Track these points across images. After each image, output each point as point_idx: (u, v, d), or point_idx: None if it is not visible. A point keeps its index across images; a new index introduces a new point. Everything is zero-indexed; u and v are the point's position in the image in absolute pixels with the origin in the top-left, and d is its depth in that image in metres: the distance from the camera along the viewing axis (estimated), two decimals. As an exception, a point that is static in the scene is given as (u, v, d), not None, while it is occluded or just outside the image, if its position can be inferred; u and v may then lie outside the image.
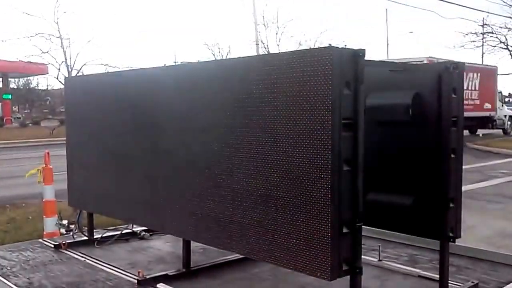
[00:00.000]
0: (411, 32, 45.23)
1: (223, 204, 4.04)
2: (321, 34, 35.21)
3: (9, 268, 5.14)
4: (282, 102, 3.56)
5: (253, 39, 22.56)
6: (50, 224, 7.96)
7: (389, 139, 4.58)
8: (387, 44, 40.95)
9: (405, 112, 4.37)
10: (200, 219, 4.26)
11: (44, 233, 8.11)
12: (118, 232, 6.11)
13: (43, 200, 8.18)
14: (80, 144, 5.91)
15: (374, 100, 4.55)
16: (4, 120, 54.21)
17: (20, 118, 59.22)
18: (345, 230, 3.37)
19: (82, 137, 5.88)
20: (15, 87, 69.98)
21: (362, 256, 5.17)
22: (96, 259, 5.38)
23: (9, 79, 59.05)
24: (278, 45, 23.23)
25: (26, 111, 74.99)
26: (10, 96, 58.63)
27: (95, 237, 6.09)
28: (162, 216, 4.73)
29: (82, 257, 5.50)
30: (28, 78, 69.90)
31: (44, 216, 8.14)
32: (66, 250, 5.76)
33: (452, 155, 4.24)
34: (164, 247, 5.89)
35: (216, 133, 4.10)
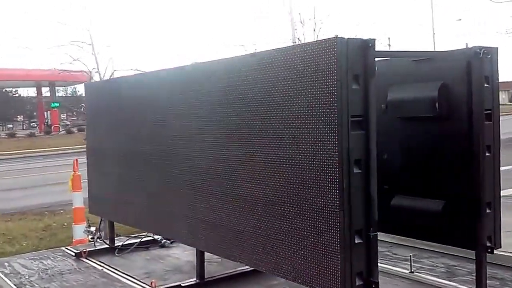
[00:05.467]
0: (459, 19, 42.62)
1: (231, 212, 3.88)
2: (357, 27, 34.25)
3: (27, 278, 5.20)
4: (285, 100, 3.36)
5: (289, 37, 22.19)
6: (78, 231, 8.04)
7: (414, 137, 4.26)
8: (433, 34, 39.03)
9: (431, 106, 4.01)
10: (209, 227, 4.12)
11: (73, 240, 8.23)
12: (138, 240, 6.07)
13: (72, 207, 8.30)
14: (98, 151, 5.92)
15: (396, 94, 4.24)
16: (52, 128, 56.62)
17: (68, 125, 61.58)
18: (357, 241, 3.12)
19: (100, 143, 5.89)
20: (64, 94, 72.87)
21: (392, 267, 4.96)
22: (114, 268, 5.36)
23: (56, 87, 61.54)
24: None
25: (73, 118, 77.79)
26: (57, 105, 61.20)
27: (116, 245, 6.08)
28: (174, 225, 4.63)
29: (100, 265, 5.49)
30: (75, 86, 72.44)
31: (73, 223, 8.26)
32: (86, 258, 5.78)
33: (487, 153, 3.86)
34: (183, 255, 5.80)
35: (220, 137, 3.96)
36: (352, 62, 3.08)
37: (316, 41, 3.17)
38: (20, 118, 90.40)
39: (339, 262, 3.06)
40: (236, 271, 4.87)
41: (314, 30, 24.16)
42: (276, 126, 3.43)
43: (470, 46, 3.97)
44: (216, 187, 4.03)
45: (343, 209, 3.05)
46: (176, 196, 4.54)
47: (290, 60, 3.31)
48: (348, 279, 3.09)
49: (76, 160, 8.37)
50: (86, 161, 6.19)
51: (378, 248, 5.47)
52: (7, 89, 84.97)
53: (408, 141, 4.28)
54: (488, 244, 3.92)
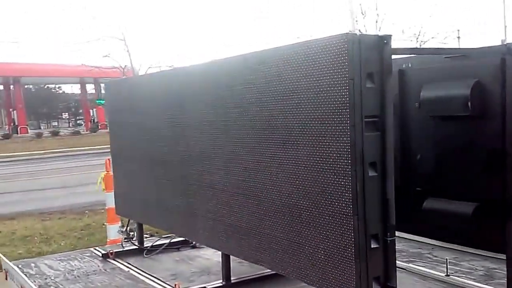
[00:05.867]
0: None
1: (250, 213, 3.86)
2: (429, 18, 33.07)
3: (52, 278, 5.31)
4: (299, 100, 3.30)
5: (349, 29, 21.80)
6: (112, 231, 8.22)
7: (447, 137, 4.16)
8: (505, 27, 37.08)
9: (463, 104, 3.92)
10: (230, 230, 4.11)
11: (108, 240, 8.40)
12: (167, 241, 6.11)
13: (106, 207, 8.45)
14: (122, 151, 6.00)
15: (429, 91, 4.15)
16: (99, 126, 57.62)
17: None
18: (374, 245, 3.06)
19: (123, 143, 5.96)
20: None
21: (428, 270, 4.84)
22: (140, 270, 5.41)
23: (101, 84, 62.82)
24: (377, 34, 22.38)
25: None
26: (103, 102, 62.28)
27: (145, 245, 6.14)
28: (197, 227, 4.64)
29: (127, 267, 5.55)
30: (120, 82, 73.69)
31: (107, 223, 8.41)
32: (114, 259, 5.86)
33: None
34: (213, 256, 5.79)
35: (236, 137, 3.93)
36: (366, 60, 2.99)
37: (327, 37, 3.09)
38: (65, 115, 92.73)
39: (354, 266, 3.00)
40: (264, 273, 4.83)
41: (376, 22, 23.81)
42: (290, 127, 3.38)
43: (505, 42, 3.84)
44: (235, 189, 4.01)
45: (357, 214, 2.98)
46: (198, 198, 4.55)
47: (301, 57, 3.24)
48: (364, 283, 3.04)
49: (109, 159, 8.51)
50: (111, 161, 6.27)
51: (419, 250, 5.46)
52: (49, 86, 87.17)
53: (441, 141, 4.18)
54: None
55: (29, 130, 69.25)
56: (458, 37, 31.09)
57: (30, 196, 17.38)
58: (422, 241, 5.27)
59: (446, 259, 4.76)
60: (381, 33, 3.08)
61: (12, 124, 71.34)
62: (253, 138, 3.75)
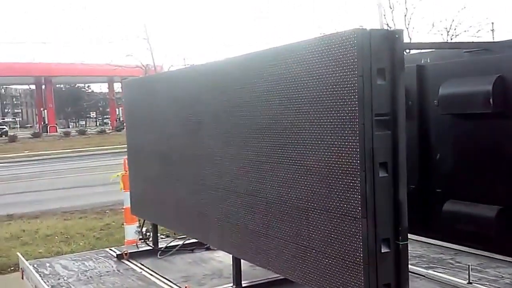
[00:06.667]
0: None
1: (259, 216, 3.79)
2: (460, 11, 32.36)
3: (65, 279, 5.34)
4: (308, 98, 3.22)
5: (377, 24, 21.48)
6: (130, 231, 8.21)
7: (467, 136, 4.01)
8: None
9: (485, 101, 3.77)
10: (238, 232, 4.06)
11: (125, 240, 8.42)
12: (182, 242, 6.09)
13: (124, 207, 8.48)
14: (137, 150, 6.00)
15: (448, 88, 4.01)
16: (124, 124, 58.29)
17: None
18: (384, 250, 2.95)
19: (138, 142, 5.96)
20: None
21: (449, 277, 4.67)
22: (153, 271, 5.40)
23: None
24: (407, 28, 22.05)
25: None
26: (125, 100, 62.98)
27: (159, 246, 6.14)
28: (207, 229, 4.60)
29: (140, 268, 5.55)
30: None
31: (124, 224, 8.44)
32: (128, 260, 5.87)
33: None
34: (227, 259, 5.73)
35: (246, 137, 3.87)
36: (377, 56, 2.90)
37: (336, 33, 3.01)
38: (93, 114, 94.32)
39: (362, 272, 2.90)
40: (277, 277, 4.74)
41: (405, 16, 23.46)
42: (299, 127, 3.30)
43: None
44: (244, 191, 3.95)
45: (366, 217, 2.88)
46: (208, 199, 4.51)
47: (309, 54, 3.15)
48: (374, 291, 2.92)
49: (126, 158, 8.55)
50: (127, 160, 6.29)
51: (441, 255, 5.29)
52: (80, 85, 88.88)
53: (461, 140, 4.03)
54: None
55: (58, 129, 70.66)
56: (492, 30, 30.18)
57: (54, 195, 17.68)
58: (445, 246, 5.11)
59: (469, 265, 4.59)
60: (394, 28, 2.96)
61: (42, 123, 72.92)
62: (261, 139, 3.68)
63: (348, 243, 2.98)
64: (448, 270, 4.82)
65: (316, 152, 3.16)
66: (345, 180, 2.95)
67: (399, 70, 2.94)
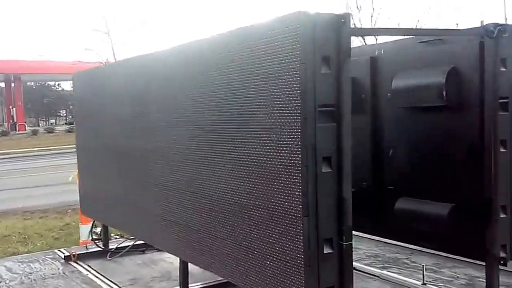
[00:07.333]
0: None
1: (201, 214, 3.57)
2: (425, 12, 32.57)
3: (7, 282, 5.07)
4: (247, 89, 3.02)
5: None
6: (85, 231, 7.88)
7: (420, 130, 3.83)
8: (505, 19, 36.50)
9: (438, 94, 3.58)
10: (182, 232, 3.83)
11: (80, 241, 8.11)
12: (132, 243, 5.85)
13: (80, 206, 8.18)
14: (85, 147, 5.72)
15: (401, 80, 3.83)
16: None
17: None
18: (327, 251, 2.76)
19: (86, 139, 5.68)
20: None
21: (403, 277, 4.53)
22: (100, 273, 5.16)
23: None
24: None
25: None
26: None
27: (110, 247, 5.88)
28: (152, 228, 4.36)
29: (87, 270, 5.30)
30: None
31: (79, 223, 8.13)
32: (76, 262, 5.61)
33: (502, 149, 3.41)
34: (176, 260, 5.51)
35: (187, 132, 3.65)
36: (321, 42, 2.70)
37: (279, 17, 2.80)
38: (63, 112, 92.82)
39: (303, 274, 2.70)
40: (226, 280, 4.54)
41: (371, 16, 23.50)
42: (239, 120, 3.10)
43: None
44: (187, 188, 3.73)
45: (307, 215, 2.69)
46: (153, 198, 4.27)
47: (250, 41, 2.95)
48: (316, 294, 2.72)
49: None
50: (76, 157, 6.02)
51: (396, 255, 5.14)
52: (50, 83, 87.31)
53: (415, 135, 3.84)
54: (502, 254, 3.45)
55: (26, 127, 69.15)
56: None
57: (16, 194, 17.14)
58: (401, 245, 4.98)
59: (423, 265, 4.45)
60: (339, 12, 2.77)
61: (11, 121, 71.25)
62: (203, 133, 3.47)
63: (289, 243, 2.79)
64: (403, 270, 4.69)
65: (258, 146, 2.97)
66: (286, 176, 2.75)
67: (345, 58, 2.75)
